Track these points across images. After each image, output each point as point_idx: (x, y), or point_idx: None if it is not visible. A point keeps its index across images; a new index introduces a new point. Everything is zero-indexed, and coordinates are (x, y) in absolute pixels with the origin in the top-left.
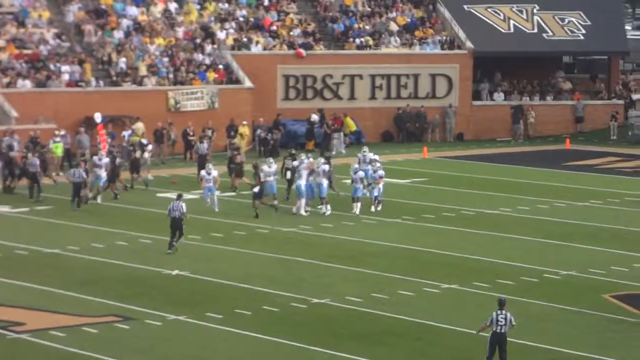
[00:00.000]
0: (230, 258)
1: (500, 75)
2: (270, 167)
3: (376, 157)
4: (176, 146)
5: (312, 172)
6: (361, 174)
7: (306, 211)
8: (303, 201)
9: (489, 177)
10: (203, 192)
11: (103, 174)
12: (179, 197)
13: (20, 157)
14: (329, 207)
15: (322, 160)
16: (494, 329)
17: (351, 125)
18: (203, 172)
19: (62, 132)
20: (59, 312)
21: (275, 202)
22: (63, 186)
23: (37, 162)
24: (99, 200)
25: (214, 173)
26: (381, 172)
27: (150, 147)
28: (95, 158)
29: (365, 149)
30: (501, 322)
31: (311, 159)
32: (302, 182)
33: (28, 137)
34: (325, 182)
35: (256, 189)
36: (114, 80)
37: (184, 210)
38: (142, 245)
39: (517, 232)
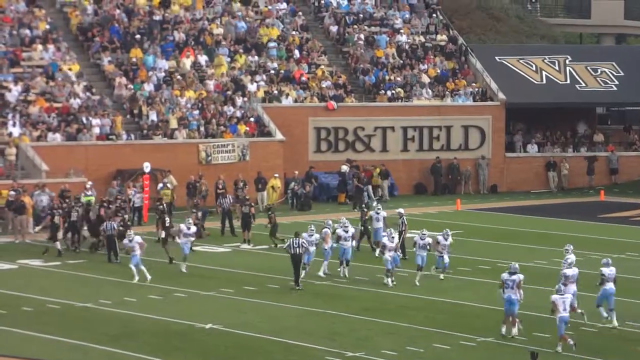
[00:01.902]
0: (264, 311)
1: (533, 126)
2: (347, 232)
3: (401, 210)
4: (208, 199)
5: (339, 238)
6: (429, 240)
7: (325, 273)
8: (326, 263)
9: (524, 229)
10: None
11: (191, 239)
12: (297, 234)
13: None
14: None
15: (389, 234)
16: None
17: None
18: (183, 226)
19: (90, 184)
20: None
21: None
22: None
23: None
24: (183, 269)
25: (193, 228)
26: (451, 240)
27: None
28: (183, 226)
29: (380, 207)
30: None
31: (328, 231)
32: (326, 246)
33: (59, 191)
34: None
35: (162, 234)
36: (144, 134)
37: (306, 245)
38: (175, 299)
39: (553, 284)
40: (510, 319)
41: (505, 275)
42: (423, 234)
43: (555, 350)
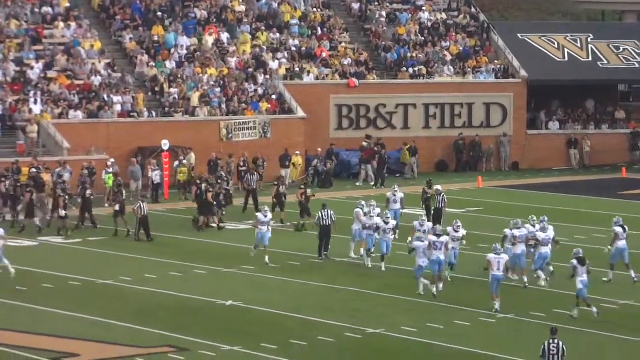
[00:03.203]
0: (284, 288)
1: (557, 103)
2: (387, 224)
3: (439, 187)
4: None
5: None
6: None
7: (353, 257)
8: (353, 245)
9: (545, 206)
10: (256, 236)
11: (267, 231)
12: (325, 206)
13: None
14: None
15: (456, 223)
16: (547, 359)
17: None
18: (260, 215)
19: (111, 161)
20: (113, 343)
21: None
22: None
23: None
24: (266, 259)
25: (270, 215)
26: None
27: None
28: (260, 215)
29: (396, 187)
30: (553, 350)
31: (360, 211)
32: (354, 226)
33: (82, 168)
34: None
35: (117, 207)
36: (166, 111)
37: (334, 218)
38: (195, 276)
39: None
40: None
41: (433, 238)
42: (536, 230)
43: (493, 310)
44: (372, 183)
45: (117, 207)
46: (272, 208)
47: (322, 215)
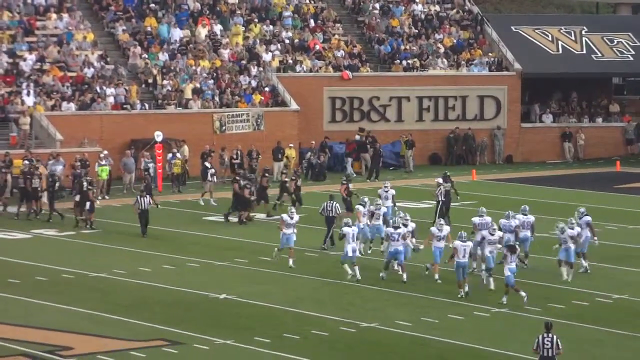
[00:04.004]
0: (278, 282)
1: (549, 97)
2: (407, 226)
3: (440, 179)
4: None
5: (372, 215)
6: (577, 229)
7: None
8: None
9: (539, 199)
10: (281, 239)
11: (292, 233)
12: (332, 197)
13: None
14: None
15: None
16: (541, 353)
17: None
18: (285, 216)
19: (104, 153)
20: (107, 337)
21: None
22: (108, 210)
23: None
24: (290, 262)
25: (296, 217)
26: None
27: (213, 170)
28: (285, 217)
29: (387, 183)
30: (547, 345)
31: (361, 208)
32: (360, 224)
33: (75, 160)
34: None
35: (77, 197)
36: (159, 103)
37: (339, 210)
38: (189, 269)
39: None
40: (396, 267)
41: (390, 230)
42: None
43: (459, 296)
44: (345, 179)
45: (76, 198)
46: (292, 203)
47: (327, 207)
